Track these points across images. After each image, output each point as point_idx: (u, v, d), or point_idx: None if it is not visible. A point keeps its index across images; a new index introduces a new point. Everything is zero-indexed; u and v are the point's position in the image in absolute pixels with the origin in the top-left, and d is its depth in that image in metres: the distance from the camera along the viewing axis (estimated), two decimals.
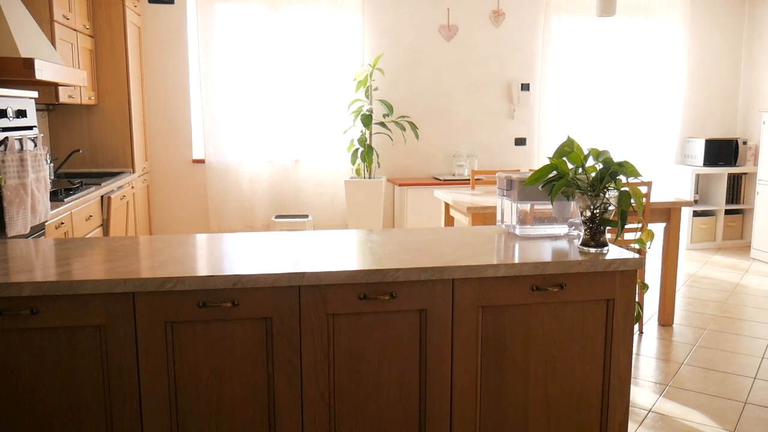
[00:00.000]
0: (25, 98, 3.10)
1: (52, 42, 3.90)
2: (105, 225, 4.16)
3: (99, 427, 1.80)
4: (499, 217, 2.45)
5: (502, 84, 6.30)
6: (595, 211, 2.04)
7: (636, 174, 2.02)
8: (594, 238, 2.07)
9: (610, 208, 2.03)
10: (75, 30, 4.33)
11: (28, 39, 3.33)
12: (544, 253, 2.05)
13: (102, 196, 4.09)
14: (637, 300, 2.07)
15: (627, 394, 2.07)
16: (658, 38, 6.50)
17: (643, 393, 3.23)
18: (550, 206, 2.27)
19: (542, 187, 2.18)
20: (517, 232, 2.32)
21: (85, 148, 4.88)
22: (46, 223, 3.18)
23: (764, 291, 5.04)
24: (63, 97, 4.08)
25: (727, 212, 6.70)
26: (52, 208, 3.24)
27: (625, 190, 2.01)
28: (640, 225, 3.76)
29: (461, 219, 4.05)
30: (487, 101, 6.29)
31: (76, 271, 1.79)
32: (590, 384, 2.06)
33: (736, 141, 6.62)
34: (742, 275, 5.52)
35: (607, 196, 2.01)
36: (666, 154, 6.74)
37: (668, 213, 4.07)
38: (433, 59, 6.12)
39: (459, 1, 6.09)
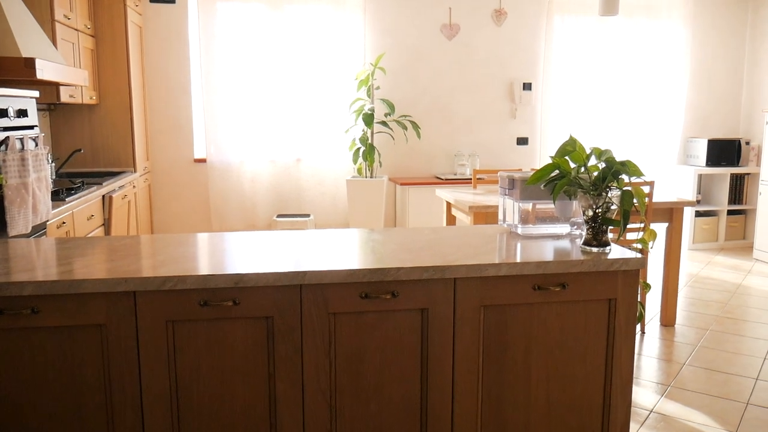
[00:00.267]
0: (27, 98, 3.10)
1: (54, 42, 3.90)
2: (106, 224, 4.16)
3: (100, 426, 1.80)
4: (500, 216, 2.45)
5: (504, 83, 6.30)
6: (597, 211, 2.03)
7: (638, 173, 2.01)
8: (596, 237, 2.06)
9: (613, 207, 2.02)
10: (76, 30, 4.33)
11: (29, 39, 3.33)
12: (546, 252, 2.04)
13: (103, 196, 4.09)
14: (639, 300, 2.07)
15: (629, 394, 2.07)
16: (660, 38, 6.49)
17: (644, 393, 3.22)
18: (552, 205, 2.26)
19: (544, 186, 2.17)
20: (519, 231, 2.31)
21: (87, 148, 4.88)
22: (48, 223, 3.18)
23: (766, 292, 5.03)
24: (64, 96, 4.08)
25: (730, 212, 6.69)
26: (54, 207, 3.24)
27: (628, 190, 2.00)
28: (642, 225, 3.76)
29: (463, 218, 4.04)
30: (489, 100, 6.29)
31: (78, 271, 1.79)
32: (592, 384, 2.05)
33: (739, 141, 6.61)
34: (744, 276, 5.51)
35: (609, 195, 2.00)
36: (668, 154, 6.73)
37: (671, 213, 4.07)
38: (434, 58, 6.11)
39: (461, 1, 6.09)
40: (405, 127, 5.80)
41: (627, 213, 1.99)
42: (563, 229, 2.31)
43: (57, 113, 4.82)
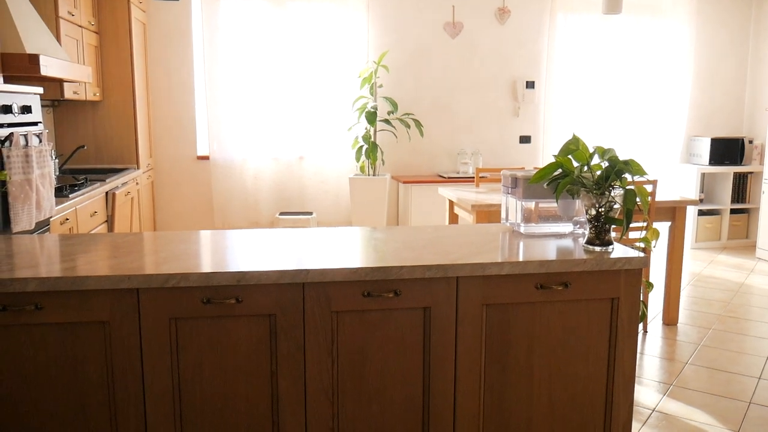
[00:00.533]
0: (31, 94, 3.11)
1: (57, 38, 3.91)
2: (109, 221, 4.17)
3: (103, 422, 1.80)
4: (503, 215, 2.44)
5: (508, 82, 6.29)
6: (600, 210, 2.03)
7: (641, 172, 2.01)
8: (599, 236, 2.06)
9: (615, 206, 2.02)
10: (80, 26, 4.34)
11: (33, 35, 3.33)
12: (549, 251, 2.04)
13: (106, 193, 4.10)
14: (641, 299, 2.06)
15: (631, 393, 2.07)
16: (664, 36, 6.47)
17: (647, 392, 3.22)
18: (555, 204, 2.26)
19: (547, 185, 2.17)
20: (522, 230, 2.31)
21: (90, 145, 4.89)
22: (51, 219, 3.18)
23: None
24: (68, 93, 4.09)
25: (733, 211, 6.67)
26: (57, 204, 3.24)
27: (631, 189, 2.00)
28: (645, 224, 3.75)
29: (465, 217, 4.04)
30: (492, 99, 6.28)
31: (81, 267, 1.79)
32: (594, 383, 2.05)
33: (742, 140, 6.59)
34: (747, 275, 5.50)
35: (612, 194, 2.00)
36: (671, 152, 6.72)
37: (673, 212, 4.06)
38: (438, 56, 6.11)
39: None
40: (408, 126, 5.79)
41: (630, 212, 1.99)
42: (566, 228, 2.31)
43: (61, 109, 4.83)
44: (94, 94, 4.66)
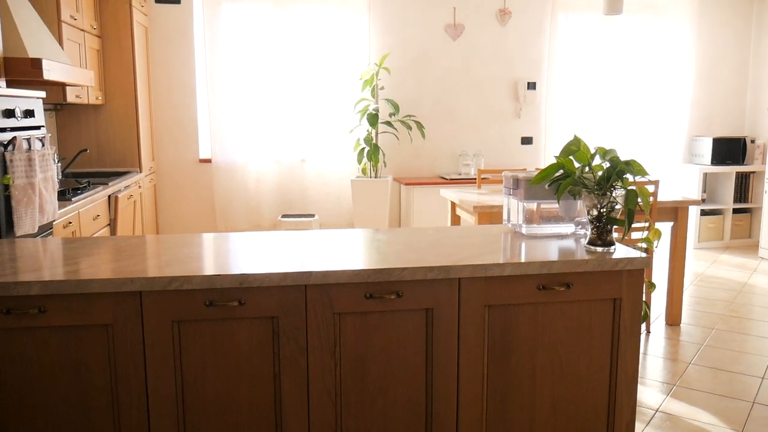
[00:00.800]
0: (33, 98, 3.12)
1: (60, 42, 3.92)
2: (112, 224, 4.18)
3: (107, 425, 1.81)
4: (505, 216, 2.45)
5: (509, 83, 6.29)
6: (601, 210, 2.03)
7: (643, 173, 2.01)
8: (601, 237, 2.06)
9: (617, 207, 2.02)
10: (82, 30, 4.35)
11: (35, 39, 3.34)
12: (551, 252, 2.05)
13: (109, 196, 4.11)
14: (644, 299, 2.06)
15: (634, 393, 2.07)
16: (665, 36, 6.47)
17: (650, 393, 3.22)
18: (556, 205, 2.26)
19: (549, 186, 2.17)
20: (524, 231, 2.31)
21: (93, 148, 4.90)
22: (54, 223, 3.19)
23: None
24: (70, 97, 4.10)
25: (735, 211, 6.66)
26: (60, 207, 3.25)
27: (632, 189, 2.00)
28: (647, 224, 3.75)
29: (467, 218, 4.04)
30: (494, 100, 6.28)
31: (84, 270, 1.80)
32: (597, 383, 2.05)
33: (744, 139, 6.59)
34: (750, 274, 5.49)
35: (613, 194, 2.00)
36: (673, 152, 6.71)
37: (675, 212, 4.06)
38: (439, 58, 6.11)
39: (465, 0, 6.08)
40: (409, 127, 5.80)
41: (631, 212, 1.99)
42: (568, 228, 2.31)
43: (63, 113, 4.84)
44: (97, 98, 4.67)
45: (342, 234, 2.35)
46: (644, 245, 2.44)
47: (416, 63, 6.07)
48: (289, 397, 1.87)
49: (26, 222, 2.78)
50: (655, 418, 2.95)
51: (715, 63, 6.76)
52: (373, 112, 5.56)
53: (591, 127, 6.43)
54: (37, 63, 3.10)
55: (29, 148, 2.85)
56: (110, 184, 4.09)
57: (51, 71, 3.24)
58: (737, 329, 4.13)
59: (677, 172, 6.71)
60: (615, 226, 2.06)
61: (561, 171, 2.12)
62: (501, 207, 3.65)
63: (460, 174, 6.10)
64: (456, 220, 4.39)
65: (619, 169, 1.99)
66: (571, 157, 2.11)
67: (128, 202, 4.53)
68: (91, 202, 3.74)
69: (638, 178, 2.05)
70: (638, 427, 2.86)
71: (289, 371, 1.86)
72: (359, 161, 5.69)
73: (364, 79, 5.66)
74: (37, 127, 3.14)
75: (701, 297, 4.83)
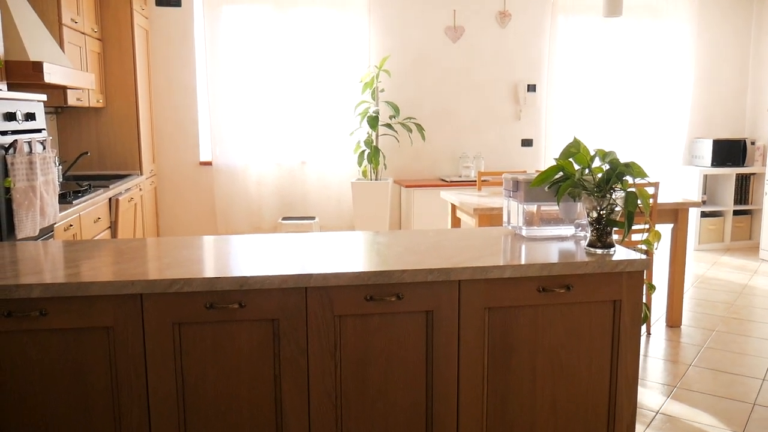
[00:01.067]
0: (34, 101, 3.13)
1: (61, 45, 3.93)
2: (113, 227, 4.18)
3: (107, 428, 1.81)
4: (505, 218, 2.45)
5: (509, 85, 6.30)
6: (601, 212, 2.03)
7: (642, 175, 2.02)
8: (601, 239, 2.06)
9: (617, 209, 2.02)
10: (83, 33, 4.36)
11: (37, 42, 3.35)
12: (551, 254, 2.05)
13: (110, 199, 4.11)
14: (644, 301, 2.07)
15: (634, 395, 2.07)
16: (665, 38, 6.48)
17: (650, 394, 3.22)
18: (556, 207, 2.27)
19: (548, 188, 2.18)
20: (524, 233, 2.32)
21: (93, 151, 4.91)
22: (55, 226, 3.20)
23: None
24: (71, 100, 4.11)
25: (736, 213, 6.67)
26: (61, 210, 3.26)
27: (632, 191, 2.00)
28: (647, 226, 3.75)
29: (468, 220, 4.04)
30: (494, 102, 6.29)
31: (85, 273, 1.80)
32: (597, 385, 2.05)
33: (744, 141, 6.59)
34: (750, 276, 5.49)
35: (613, 197, 2.01)
36: (674, 154, 6.72)
37: (676, 214, 4.06)
38: (439, 61, 6.12)
39: (465, 3, 6.09)
40: (410, 130, 5.81)
41: (631, 214, 1.99)
42: (568, 230, 2.32)
43: (64, 116, 4.85)
44: (97, 101, 4.68)
45: (342, 236, 2.36)
46: (644, 247, 2.44)
47: (416, 65, 6.08)
48: (289, 399, 1.87)
49: (27, 225, 2.79)
50: (655, 420, 2.95)
51: (715, 65, 6.76)
52: (374, 114, 5.57)
53: (591, 129, 6.43)
54: (38, 66, 3.11)
55: (30, 151, 2.85)
56: (111, 186, 4.10)
57: (52, 74, 3.25)
58: (738, 331, 4.13)
59: (677, 174, 6.71)
60: (615, 228, 2.06)
61: (561, 173, 2.13)
62: (501, 209, 3.65)
63: (460, 176, 6.10)
64: (456, 222, 4.39)
65: (618, 171, 1.99)
66: (570, 160, 2.11)
67: (129, 205, 4.54)
68: (92, 205, 3.74)
69: (638, 180, 2.05)
70: (639, 429, 2.86)
71: (290, 373, 1.86)
72: (359, 164, 5.70)
73: (364, 82, 5.66)
74: (38, 130, 3.14)
75: (702, 299, 4.83)
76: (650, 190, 3.88)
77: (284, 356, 1.85)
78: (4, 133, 2.74)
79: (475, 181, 5.79)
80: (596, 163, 2.09)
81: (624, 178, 2.01)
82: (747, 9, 6.75)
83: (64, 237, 3.31)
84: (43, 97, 3.23)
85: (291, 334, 1.84)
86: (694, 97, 6.72)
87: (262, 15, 5.67)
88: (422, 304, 1.89)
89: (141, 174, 4.99)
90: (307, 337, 1.85)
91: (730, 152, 6.55)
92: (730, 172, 6.54)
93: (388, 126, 5.74)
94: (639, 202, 1.99)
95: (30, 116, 3.03)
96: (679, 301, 4.17)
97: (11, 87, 3.26)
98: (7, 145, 2.73)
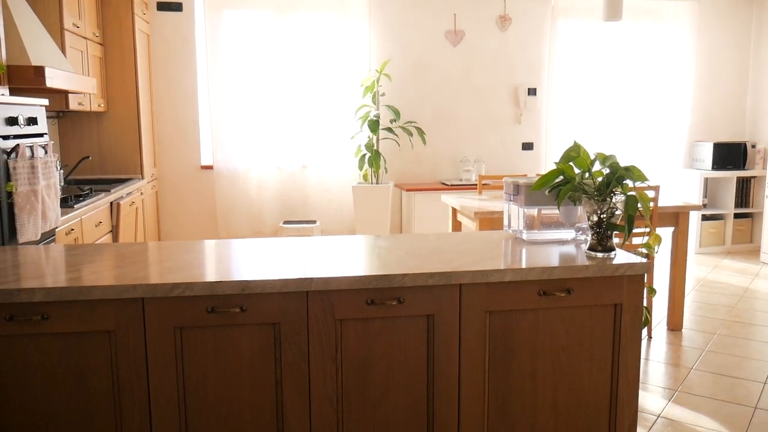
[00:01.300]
0: (36, 106, 3.14)
1: (63, 50, 3.94)
2: (114, 231, 4.19)
3: (109, 431, 1.81)
4: (506, 222, 2.45)
5: (509, 89, 6.31)
6: (602, 216, 2.04)
7: (643, 178, 2.02)
8: (601, 242, 2.07)
9: (617, 212, 2.03)
10: (85, 38, 4.38)
11: (38, 47, 3.36)
12: (551, 257, 2.05)
13: (111, 203, 4.12)
14: (645, 304, 2.07)
15: (635, 399, 2.07)
16: (665, 42, 6.49)
17: (652, 398, 3.21)
18: (557, 211, 2.27)
19: (549, 191, 2.18)
20: (524, 237, 2.32)
21: (95, 155, 4.92)
22: (57, 230, 3.20)
23: None
24: (73, 104, 4.12)
25: (736, 216, 6.67)
26: (63, 214, 3.26)
27: (632, 195, 2.01)
28: (647, 229, 3.75)
29: (468, 224, 4.05)
30: (494, 106, 6.30)
31: (86, 277, 1.81)
32: (598, 389, 2.05)
33: (745, 144, 6.59)
34: (751, 279, 5.49)
35: (613, 200, 2.01)
36: (674, 158, 6.72)
37: (676, 217, 4.06)
38: (440, 64, 6.13)
39: (465, 7, 6.11)
40: (410, 134, 5.81)
41: (631, 218, 2.00)
42: (568, 234, 2.32)
43: (65, 121, 4.86)
44: (99, 105, 4.69)
45: (343, 240, 2.36)
46: (645, 250, 2.44)
47: (417, 69, 6.09)
48: (290, 403, 1.87)
49: (29, 229, 2.79)
50: (656, 424, 2.95)
51: (715, 68, 6.77)
52: (374, 118, 5.58)
53: (591, 133, 6.44)
54: (40, 71, 3.12)
55: (32, 156, 2.86)
56: (112, 191, 4.10)
57: (54, 79, 3.26)
58: (739, 334, 4.13)
59: (678, 178, 6.71)
60: (615, 232, 2.06)
61: (561, 177, 2.13)
62: (502, 213, 3.65)
63: (461, 180, 6.11)
64: (457, 226, 4.40)
65: (618, 175, 2.00)
66: (571, 163, 2.12)
67: (130, 209, 4.54)
68: (94, 209, 3.75)
69: (638, 184, 2.06)
70: None
71: (291, 377, 1.86)
72: (360, 167, 5.70)
73: (365, 86, 5.67)
74: (40, 135, 3.15)
75: (703, 302, 4.83)
76: (651, 194, 3.89)
77: (285, 360, 1.85)
78: (6, 137, 2.75)
79: (476, 184, 5.80)
80: (596, 166, 2.09)
81: (624, 182, 2.02)
82: (747, 12, 6.76)
83: (66, 241, 3.32)
84: (45, 101, 3.23)
85: (292, 338, 1.84)
86: (695, 100, 6.73)
87: (263, 19, 5.69)
88: (423, 308, 1.90)
89: (142, 178, 5.00)
90: (308, 341, 1.85)
91: (730, 155, 6.56)
92: (731, 175, 6.54)
93: (389, 130, 5.75)
94: (639, 205, 1.99)
95: (32, 121, 3.04)
96: (680, 304, 4.17)
97: (13, 91, 3.27)
98: (9, 150, 2.74)
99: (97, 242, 3.82)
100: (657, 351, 3.85)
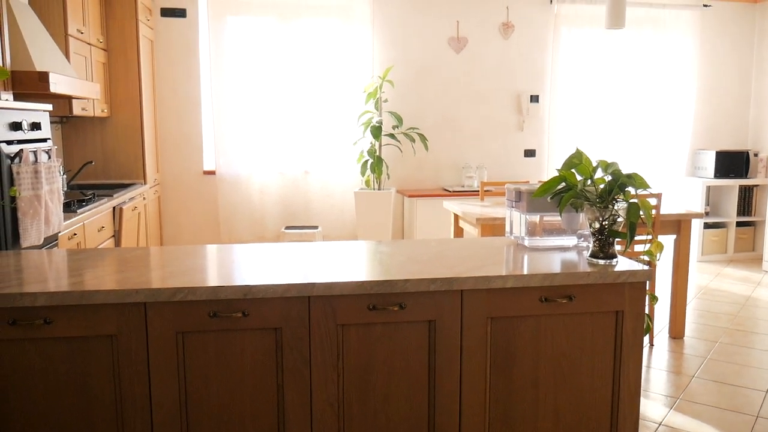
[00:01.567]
0: (40, 111, 3.15)
1: (67, 55, 3.96)
2: (117, 236, 4.20)
3: None
4: (508, 228, 2.46)
5: (512, 96, 6.32)
6: (603, 223, 2.04)
7: (645, 186, 2.02)
8: (603, 249, 2.07)
9: (619, 219, 2.03)
10: (89, 44, 4.40)
11: (43, 53, 3.38)
12: (553, 264, 2.05)
13: (114, 208, 4.13)
14: (646, 312, 2.07)
15: (637, 406, 2.07)
16: (667, 50, 6.50)
17: (653, 406, 3.21)
18: (559, 218, 2.27)
19: (551, 198, 2.19)
20: (526, 243, 2.32)
21: (98, 160, 4.93)
22: (59, 234, 3.21)
23: None
24: (76, 109, 4.14)
25: (739, 224, 6.66)
26: (65, 219, 3.27)
27: (634, 202, 2.01)
28: (649, 237, 3.76)
29: (470, 230, 4.05)
30: (497, 113, 6.31)
31: (89, 282, 1.81)
32: (600, 396, 2.05)
33: (747, 153, 6.59)
34: (753, 288, 5.48)
35: (615, 207, 2.02)
36: (677, 165, 6.72)
37: (679, 225, 4.06)
38: (442, 71, 6.15)
39: (468, 14, 6.13)
40: (413, 140, 5.82)
41: (633, 225, 2.00)
42: (570, 241, 2.32)
43: (69, 126, 4.88)
44: (102, 111, 4.71)
45: (345, 246, 2.36)
46: (647, 258, 2.44)
47: (419, 76, 6.11)
48: (292, 408, 1.87)
49: (32, 233, 2.80)
50: None
51: (718, 76, 6.78)
52: (377, 124, 5.59)
53: (594, 140, 6.45)
54: (44, 76, 3.14)
55: (36, 161, 2.87)
56: (115, 195, 4.11)
57: (58, 84, 3.27)
58: (741, 343, 4.12)
59: (680, 185, 6.72)
60: (617, 239, 2.06)
61: (563, 184, 2.13)
62: (504, 219, 3.66)
63: (463, 186, 6.11)
64: (459, 232, 4.40)
65: (621, 182, 2.00)
66: (573, 170, 2.12)
67: (133, 214, 4.55)
68: (96, 214, 3.76)
69: (640, 191, 2.06)
70: None
71: (293, 382, 1.86)
72: (363, 173, 5.71)
73: (367, 92, 5.69)
74: (44, 140, 3.16)
75: (705, 310, 4.82)
76: (653, 201, 3.89)
77: (287, 365, 1.85)
78: (9, 142, 2.76)
79: (478, 191, 5.80)
80: (598, 174, 2.10)
81: (626, 189, 2.02)
82: (749, 20, 6.78)
83: (69, 246, 3.33)
84: (49, 106, 3.25)
85: (294, 342, 1.85)
86: (697, 108, 6.74)
87: (266, 26, 5.71)
88: (425, 314, 1.90)
89: (145, 183, 5.01)
90: (309, 346, 1.86)
91: (732, 163, 6.56)
92: (733, 183, 6.54)
93: (391, 136, 5.76)
94: (641, 213, 2.00)
95: (35, 126, 3.06)
96: (682, 312, 4.16)
97: (17, 97, 3.28)
98: (12, 155, 2.75)
99: (99, 247, 3.83)
100: (659, 359, 3.84)
